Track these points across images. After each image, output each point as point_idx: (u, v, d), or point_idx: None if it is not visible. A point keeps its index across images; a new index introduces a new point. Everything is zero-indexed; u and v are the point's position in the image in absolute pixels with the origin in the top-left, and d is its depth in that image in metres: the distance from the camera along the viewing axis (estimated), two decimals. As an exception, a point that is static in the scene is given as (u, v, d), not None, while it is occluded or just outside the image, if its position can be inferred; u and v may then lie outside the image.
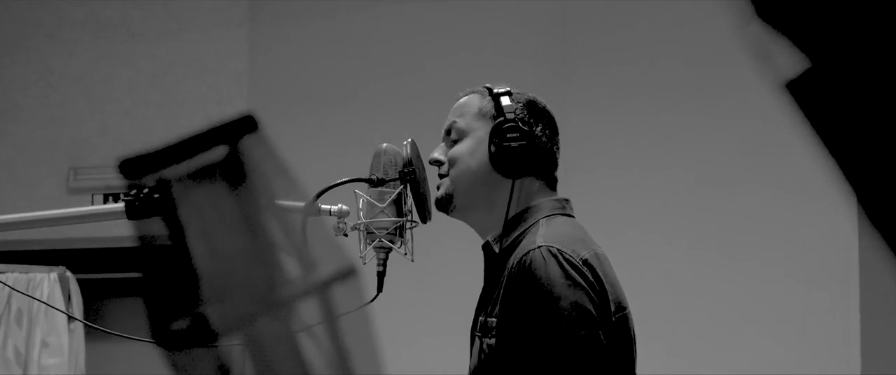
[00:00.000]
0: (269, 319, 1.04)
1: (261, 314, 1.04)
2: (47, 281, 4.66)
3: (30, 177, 5.86)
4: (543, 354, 2.13)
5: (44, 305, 4.62)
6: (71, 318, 4.64)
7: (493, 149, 2.34)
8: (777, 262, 4.92)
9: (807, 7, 0.82)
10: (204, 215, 1.03)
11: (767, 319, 4.92)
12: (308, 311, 1.06)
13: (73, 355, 4.70)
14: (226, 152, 1.05)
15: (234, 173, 1.05)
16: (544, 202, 2.39)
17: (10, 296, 4.61)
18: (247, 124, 1.05)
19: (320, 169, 5.29)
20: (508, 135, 2.33)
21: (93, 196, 5.71)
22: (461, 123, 2.43)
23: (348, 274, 1.06)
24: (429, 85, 5.42)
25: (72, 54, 5.94)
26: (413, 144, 2.41)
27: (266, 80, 5.74)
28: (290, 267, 1.06)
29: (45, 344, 4.60)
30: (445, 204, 2.43)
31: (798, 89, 0.83)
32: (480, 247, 2.45)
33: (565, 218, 2.38)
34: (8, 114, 5.92)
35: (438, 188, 2.45)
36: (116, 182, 5.70)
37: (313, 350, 1.07)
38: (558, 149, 2.46)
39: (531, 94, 2.45)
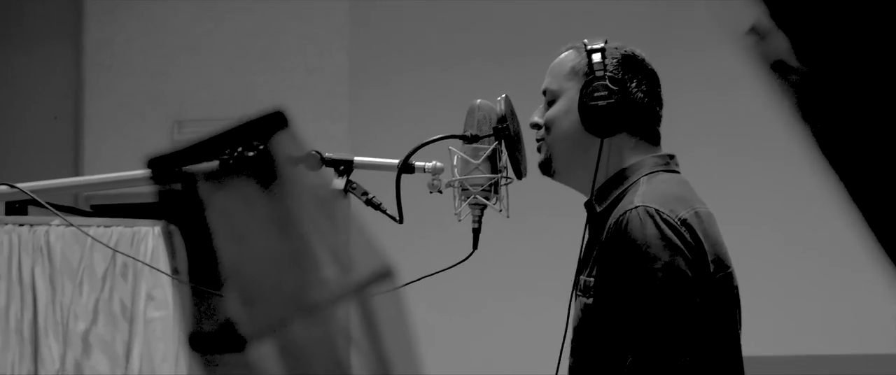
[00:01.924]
0: (304, 323, 0.99)
1: (294, 318, 0.99)
2: (151, 235, 4.68)
3: (135, 130, 5.93)
4: (638, 315, 2.10)
5: (149, 257, 4.66)
6: (174, 272, 4.66)
7: (587, 113, 2.28)
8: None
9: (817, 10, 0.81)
10: (234, 215, 0.99)
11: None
12: (345, 315, 1.01)
13: (178, 308, 4.74)
14: (257, 149, 1.00)
15: (265, 171, 1.00)
16: (646, 159, 2.33)
17: (115, 248, 4.65)
18: (278, 121, 0.99)
19: (417, 122, 5.30)
20: (595, 94, 2.27)
21: (197, 149, 5.75)
22: (554, 84, 2.39)
23: (385, 275, 1.00)
24: (529, 39, 5.35)
25: (175, 9, 5.98)
26: (507, 100, 2.38)
27: (366, 33, 5.72)
28: (326, 268, 1.01)
29: (150, 297, 4.64)
30: (547, 168, 2.41)
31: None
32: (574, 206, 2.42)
33: (669, 174, 2.33)
34: (113, 68, 5.99)
35: (539, 151, 2.40)
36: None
37: (354, 355, 1.02)
38: (660, 103, 2.39)
39: (629, 48, 2.37)
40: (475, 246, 2.38)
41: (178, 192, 0.98)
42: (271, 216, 0.99)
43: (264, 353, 0.99)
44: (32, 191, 2.60)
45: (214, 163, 0.98)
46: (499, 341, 5.35)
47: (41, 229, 4.49)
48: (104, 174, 2.77)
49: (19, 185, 2.57)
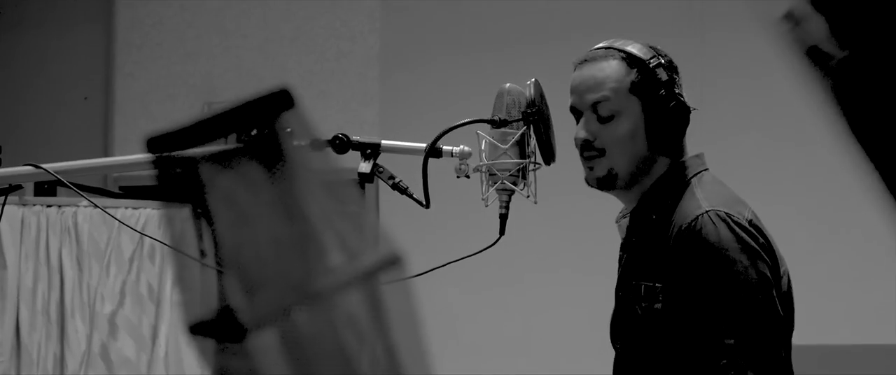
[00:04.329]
0: (308, 312, 0.95)
1: (298, 306, 0.95)
2: (180, 217, 4.67)
3: (165, 111, 5.93)
4: (721, 319, 2.10)
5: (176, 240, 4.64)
6: (201, 254, 4.65)
7: (657, 134, 2.26)
8: None
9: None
10: (236, 198, 0.95)
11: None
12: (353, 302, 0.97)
13: (199, 295, 4.73)
14: (261, 130, 0.96)
15: (269, 152, 0.96)
16: (688, 160, 2.30)
17: (143, 231, 4.64)
18: (283, 100, 0.95)
19: (448, 106, 5.27)
20: (669, 118, 2.26)
21: (227, 131, 5.74)
22: (614, 104, 2.26)
23: (393, 262, 0.96)
24: (560, 23, 5.31)
25: (206, -11, 5.98)
26: (537, 84, 2.34)
27: (398, 16, 5.69)
28: (333, 255, 0.96)
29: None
30: (609, 185, 2.31)
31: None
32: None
33: (709, 173, 2.31)
34: (144, 49, 5.99)
35: (592, 169, 2.30)
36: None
37: (359, 344, 0.98)
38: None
39: (662, 50, 2.31)
40: (502, 232, 2.35)
41: (178, 174, 0.94)
42: (276, 200, 0.95)
43: (266, 342, 0.96)
44: (57, 172, 2.57)
45: (216, 145, 0.94)
46: (523, 327, 5.32)
47: (69, 210, 4.49)
48: (131, 155, 2.74)
49: (44, 166, 2.54)
